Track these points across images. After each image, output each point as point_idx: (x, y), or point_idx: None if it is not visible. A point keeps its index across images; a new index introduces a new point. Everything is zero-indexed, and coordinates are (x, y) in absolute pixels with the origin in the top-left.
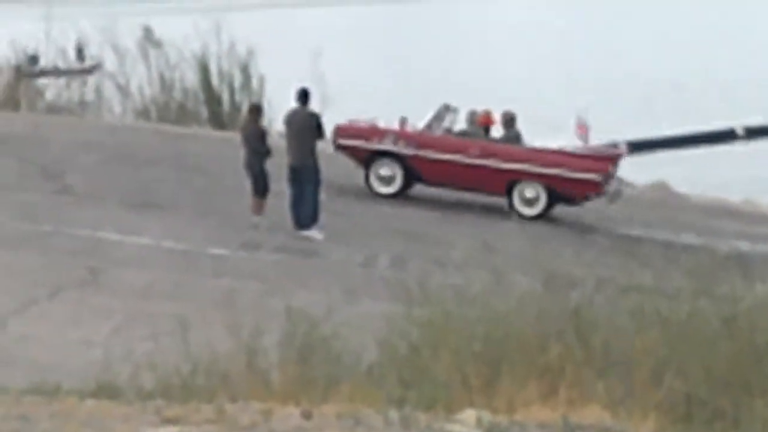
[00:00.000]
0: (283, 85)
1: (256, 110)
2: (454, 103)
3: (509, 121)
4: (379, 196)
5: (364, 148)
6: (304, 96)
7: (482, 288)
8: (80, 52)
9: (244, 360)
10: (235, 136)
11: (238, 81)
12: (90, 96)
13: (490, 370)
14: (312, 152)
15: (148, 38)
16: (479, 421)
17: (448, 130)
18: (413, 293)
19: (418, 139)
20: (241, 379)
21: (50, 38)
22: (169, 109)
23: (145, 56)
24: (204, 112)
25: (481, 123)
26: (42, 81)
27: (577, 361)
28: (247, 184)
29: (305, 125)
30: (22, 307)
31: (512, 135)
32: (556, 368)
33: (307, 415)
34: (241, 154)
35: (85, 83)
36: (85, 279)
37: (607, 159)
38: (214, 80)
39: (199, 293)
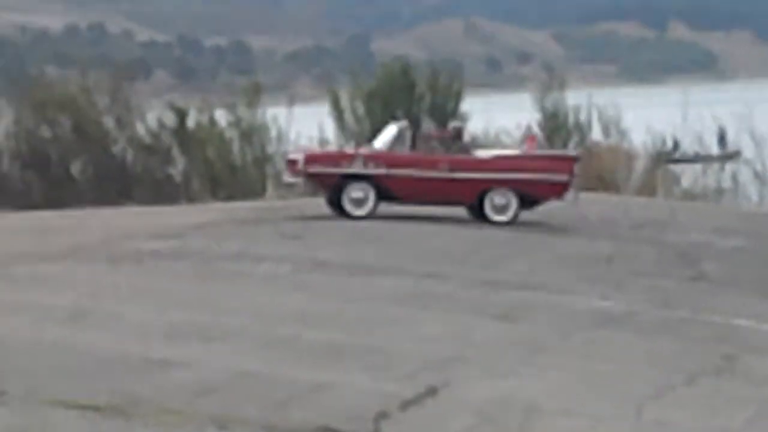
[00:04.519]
0: None
1: None
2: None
3: (457, 133)
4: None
5: (335, 173)
6: None
7: None
8: (722, 139)
9: None
10: None
11: None
12: (726, 183)
13: None
14: None
15: None
16: None
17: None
18: None
19: (387, 159)
20: None
21: (687, 123)
22: None
23: None
24: None
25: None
26: (677, 167)
27: None
28: None
29: None
30: (658, 394)
31: (461, 146)
32: None
33: None
34: None
35: (722, 170)
36: (720, 366)
37: (570, 160)
38: None
39: None
